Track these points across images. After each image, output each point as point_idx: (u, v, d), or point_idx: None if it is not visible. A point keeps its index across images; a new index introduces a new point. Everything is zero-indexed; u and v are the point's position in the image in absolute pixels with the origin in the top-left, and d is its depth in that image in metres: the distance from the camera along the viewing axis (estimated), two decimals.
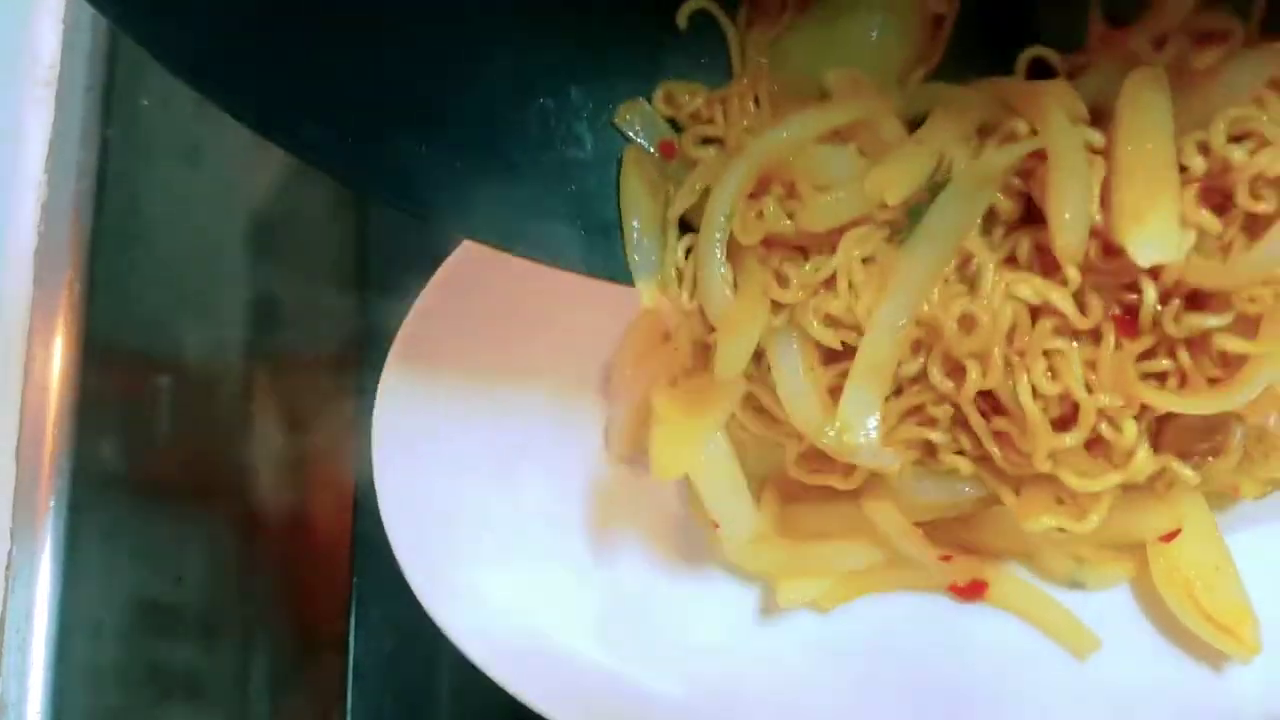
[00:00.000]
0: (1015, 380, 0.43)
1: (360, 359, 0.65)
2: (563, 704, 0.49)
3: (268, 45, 0.39)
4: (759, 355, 0.46)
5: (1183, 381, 0.43)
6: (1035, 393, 0.43)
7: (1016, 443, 0.45)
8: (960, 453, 0.46)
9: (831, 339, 0.45)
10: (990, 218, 0.44)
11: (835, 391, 0.45)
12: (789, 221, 0.44)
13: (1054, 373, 0.43)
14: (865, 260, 0.44)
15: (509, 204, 0.45)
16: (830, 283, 0.45)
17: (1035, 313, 0.43)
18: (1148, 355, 0.43)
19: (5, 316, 0.55)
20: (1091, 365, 0.43)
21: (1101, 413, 0.43)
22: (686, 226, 0.47)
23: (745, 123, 0.47)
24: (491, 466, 0.53)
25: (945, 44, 0.46)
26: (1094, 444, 0.44)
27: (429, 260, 0.54)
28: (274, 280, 0.65)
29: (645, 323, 0.54)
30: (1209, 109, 0.41)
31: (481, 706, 0.61)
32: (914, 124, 0.45)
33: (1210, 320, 0.41)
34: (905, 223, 0.45)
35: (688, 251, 0.47)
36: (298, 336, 0.64)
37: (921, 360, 0.45)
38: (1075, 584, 0.51)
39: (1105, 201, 0.41)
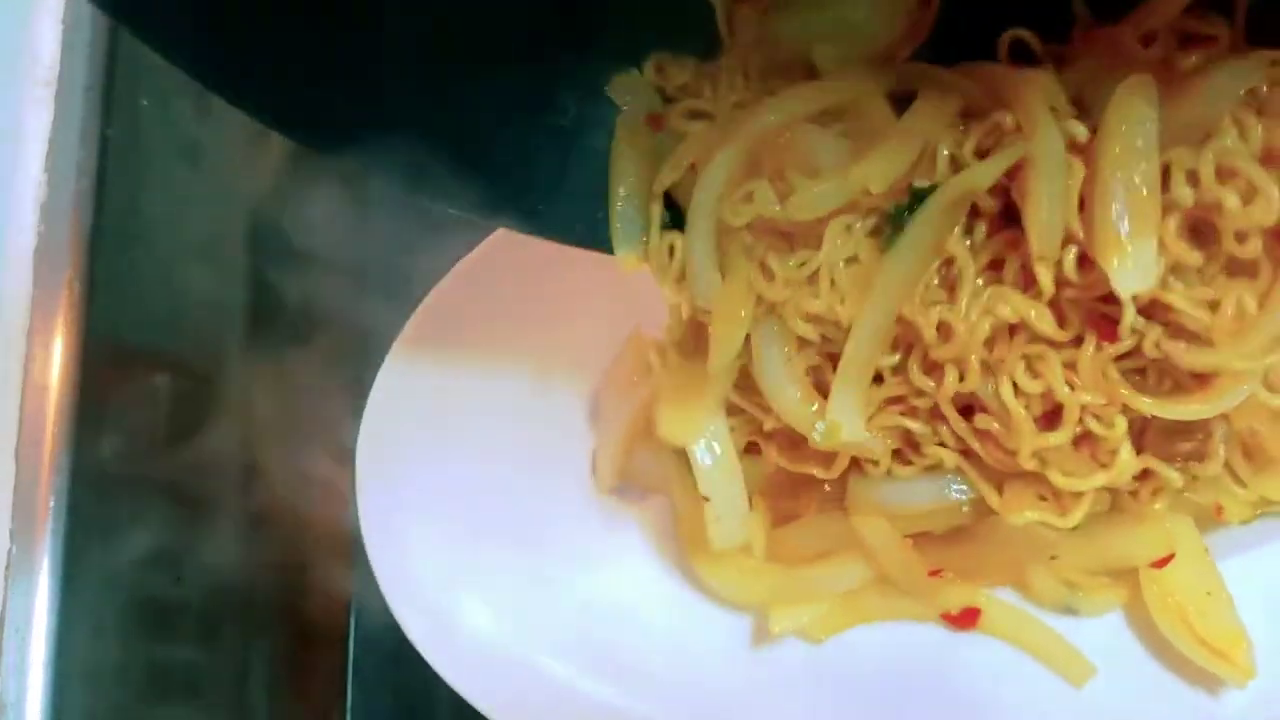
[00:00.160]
0: (997, 383, 0.44)
1: (360, 359, 0.65)
2: None
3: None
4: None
5: (1161, 379, 0.44)
6: (1017, 390, 0.44)
7: (1000, 440, 0.45)
8: (942, 444, 0.47)
9: (813, 334, 0.46)
10: (973, 213, 0.44)
11: (816, 375, 0.47)
12: (778, 207, 0.44)
13: (1034, 373, 0.44)
14: (848, 261, 0.45)
15: (489, 171, 0.45)
16: (814, 278, 0.45)
17: (1014, 327, 0.44)
18: (1127, 355, 0.43)
19: (5, 316, 0.55)
20: (1072, 366, 0.43)
21: (1086, 409, 0.44)
22: (671, 200, 0.47)
23: (734, 98, 0.47)
24: (477, 495, 0.53)
25: (933, 22, 0.46)
26: (1080, 441, 0.45)
27: (428, 261, 0.54)
28: (274, 280, 0.65)
29: (630, 354, 0.55)
30: (1192, 116, 0.41)
31: None
32: (900, 101, 0.45)
33: (1190, 355, 0.42)
34: (888, 219, 0.45)
35: (671, 226, 0.47)
36: (297, 337, 0.64)
37: (900, 355, 0.45)
38: (1068, 610, 0.51)
39: (1085, 208, 0.41)
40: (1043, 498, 0.46)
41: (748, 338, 0.46)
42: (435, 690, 0.62)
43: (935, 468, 0.48)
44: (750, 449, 0.50)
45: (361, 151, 0.42)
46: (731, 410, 0.49)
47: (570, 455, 0.55)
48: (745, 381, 0.48)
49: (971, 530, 0.49)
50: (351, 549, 0.64)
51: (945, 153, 0.43)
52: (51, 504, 0.53)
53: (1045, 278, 0.42)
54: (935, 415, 0.46)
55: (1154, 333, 0.42)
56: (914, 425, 0.46)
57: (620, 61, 0.48)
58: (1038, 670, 0.50)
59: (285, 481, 0.64)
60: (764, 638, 0.52)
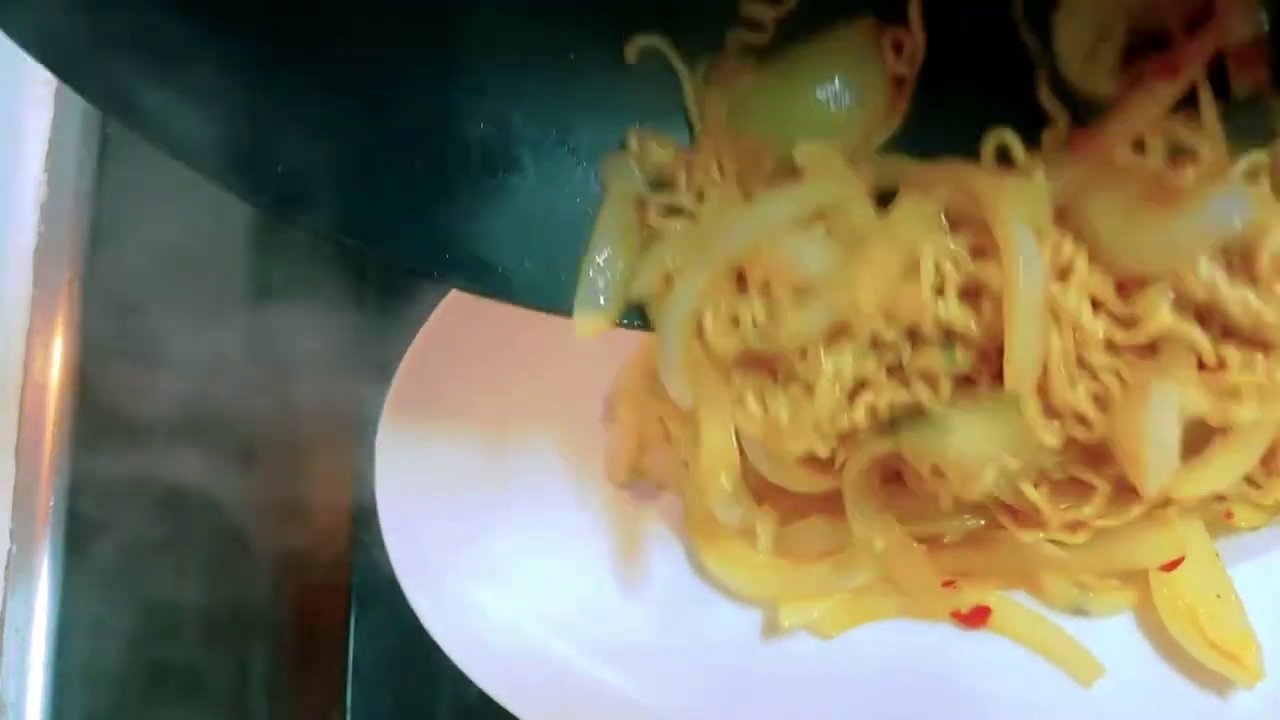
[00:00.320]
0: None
1: (361, 358, 0.65)
2: None
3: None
4: None
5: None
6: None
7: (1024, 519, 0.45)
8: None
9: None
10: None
11: None
12: (757, 329, 0.43)
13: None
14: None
15: (443, 229, 0.43)
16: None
17: None
18: None
19: (5, 316, 0.55)
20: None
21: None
22: None
23: (712, 194, 0.45)
24: (493, 491, 0.54)
25: (908, 106, 0.44)
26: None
27: None
28: (274, 280, 0.64)
29: (644, 351, 0.54)
30: (1192, 242, 0.39)
31: (481, 707, 0.61)
32: (881, 195, 0.43)
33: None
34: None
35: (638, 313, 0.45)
36: (298, 336, 0.64)
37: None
38: (1079, 611, 0.51)
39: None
40: None
41: None
42: (435, 690, 0.62)
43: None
44: None
45: (310, 213, 0.41)
46: None
47: (585, 451, 0.55)
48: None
49: (983, 537, 0.49)
50: (352, 549, 0.64)
51: (931, 264, 0.41)
52: (51, 504, 0.53)
53: (1031, 409, 0.41)
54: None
55: None
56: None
57: (581, 121, 0.46)
58: (1047, 669, 0.50)
59: (285, 481, 0.64)
60: (774, 632, 0.52)
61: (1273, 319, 0.38)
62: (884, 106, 0.45)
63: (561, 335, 0.53)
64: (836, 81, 0.44)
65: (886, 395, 0.43)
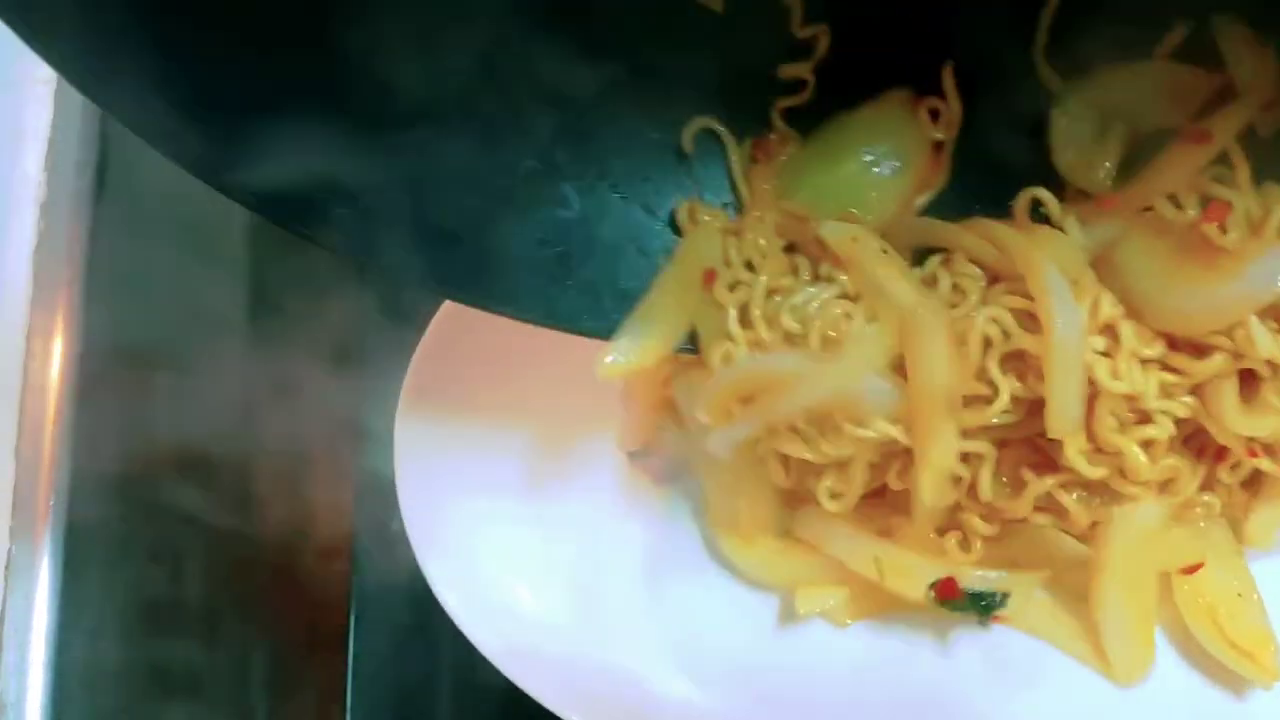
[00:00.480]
0: None
1: (361, 358, 0.65)
2: (579, 706, 0.49)
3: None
4: None
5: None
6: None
7: None
8: None
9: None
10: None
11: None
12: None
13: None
14: None
15: (490, 261, 0.45)
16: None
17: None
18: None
19: (5, 316, 0.55)
20: None
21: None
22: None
23: (765, 279, 0.46)
24: (512, 476, 0.54)
25: (948, 169, 0.46)
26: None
27: None
28: (274, 280, 0.64)
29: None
30: (1233, 302, 0.40)
31: (481, 706, 0.61)
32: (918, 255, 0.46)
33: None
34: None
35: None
36: (298, 336, 0.64)
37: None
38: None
39: None
40: None
41: None
42: (435, 690, 0.63)
43: None
44: None
45: (359, 241, 0.43)
46: None
47: (602, 436, 0.55)
48: None
49: (1010, 528, 0.49)
50: (352, 548, 0.65)
51: (979, 333, 0.43)
52: (51, 504, 0.53)
53: (1076, 455, 0.43)
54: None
55: None
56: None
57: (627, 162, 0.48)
58: (1064, 663, 0.50)
59: (285, 481, 0.64)
60: (792, 619, 0.52)
61: None
62: (924, 170, 0.46)
63: None
64: (878, 149, 0.46)
65: None
